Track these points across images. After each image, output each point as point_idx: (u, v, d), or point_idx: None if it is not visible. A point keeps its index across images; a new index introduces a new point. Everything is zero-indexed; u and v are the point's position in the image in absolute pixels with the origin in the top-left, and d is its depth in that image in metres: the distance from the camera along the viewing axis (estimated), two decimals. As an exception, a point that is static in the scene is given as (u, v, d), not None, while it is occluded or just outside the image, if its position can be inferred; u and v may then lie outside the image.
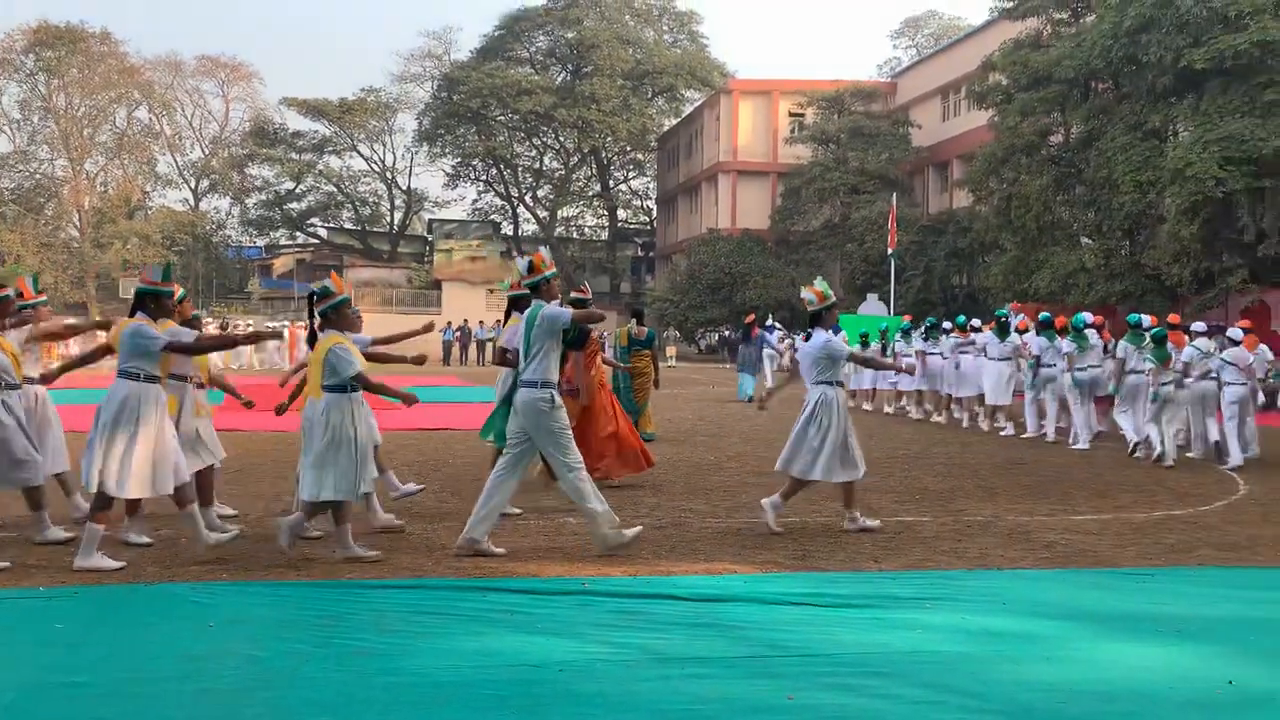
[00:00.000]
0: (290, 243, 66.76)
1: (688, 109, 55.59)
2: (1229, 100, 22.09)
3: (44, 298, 7.84)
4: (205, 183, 63.29)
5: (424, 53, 61.17)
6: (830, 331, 7.68)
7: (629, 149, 59.13)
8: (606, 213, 62.84)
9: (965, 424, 16.15)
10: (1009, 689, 4.26)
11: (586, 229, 65.91)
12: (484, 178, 62.56)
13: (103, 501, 6.14)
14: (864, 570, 6.38)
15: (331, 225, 65.63)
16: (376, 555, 6.41)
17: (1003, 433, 14.67)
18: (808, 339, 7.88)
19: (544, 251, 6.96)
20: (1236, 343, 11.94)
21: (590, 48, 54.54)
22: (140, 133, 59.81)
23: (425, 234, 66.77)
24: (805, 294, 7.82)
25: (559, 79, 57.67)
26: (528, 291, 7.88)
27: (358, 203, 64.32)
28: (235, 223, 64.86)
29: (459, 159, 60.68)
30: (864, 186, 40.46)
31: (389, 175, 64.18)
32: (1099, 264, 25.19)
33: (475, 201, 64.45)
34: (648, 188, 63.44)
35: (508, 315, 8.31)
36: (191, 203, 63.09)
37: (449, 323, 41.42)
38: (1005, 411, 15.18)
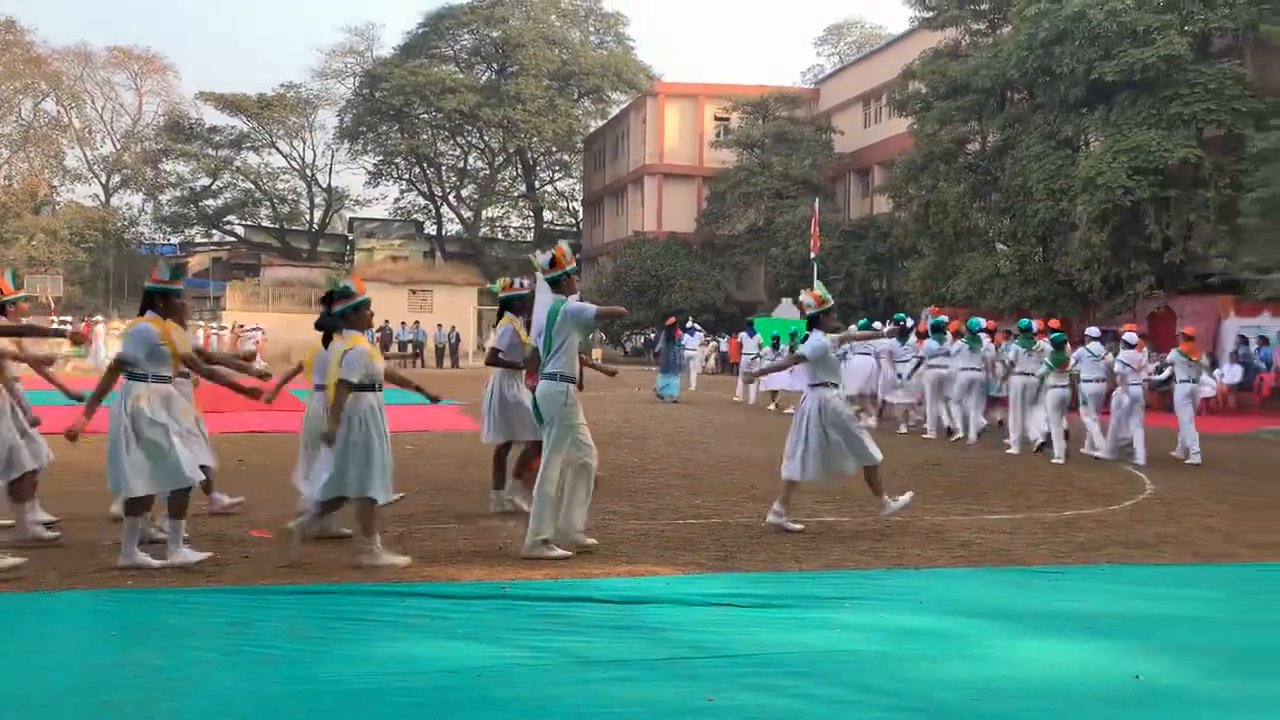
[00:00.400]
0: (206, 241, 65.23)
1: (614, 111, 55.62)
2: (1137, 112, 22.82)
3: (23, 293, 7.61)
4: (117, 178, 61.45)
5: (346, 49, 60.33)
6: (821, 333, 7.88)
7: (555, 150, 58.97)
8: (532, 214, 62.57)
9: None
10: (925, 687, 4.31)
11: (512, 230, 65.59)
12: (406, 176, 61.87)
13: (182, 499, 6.18)
14: (785, 570, 6.41)
15: (249, 223, 64.26)
16: (408, 561, 6.33)
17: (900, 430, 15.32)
18: (804, 341, 8.00)
19: (564, 245, 7.02)
20: (1131, 345, 12.53)
21: (516, 47, 54.28)
22: (47, 125, 57.87)
23: (346, 233, 65.80)
24: (804, 298, 8.05)
25: (484, 78, 57.27)
26: (521, 292, 8.20)
27: (276, 200, 63.08)
28: (148, 219, 63.23)
29: (381, 157, 59.90)
30: (788, 191, 40.92)
31: (309, 173, 63.10)
32: (1014, 270, 25.83)
33: (398, 200, 63.76)
34: (574, 189, 63.36)
35: (500, 316, 8.38)
36: (102, 198, 61.20)
37: (370, 323, 40.75)
38: (904, 409, 15.88)
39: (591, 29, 58.77)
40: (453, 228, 63.64)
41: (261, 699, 4.03)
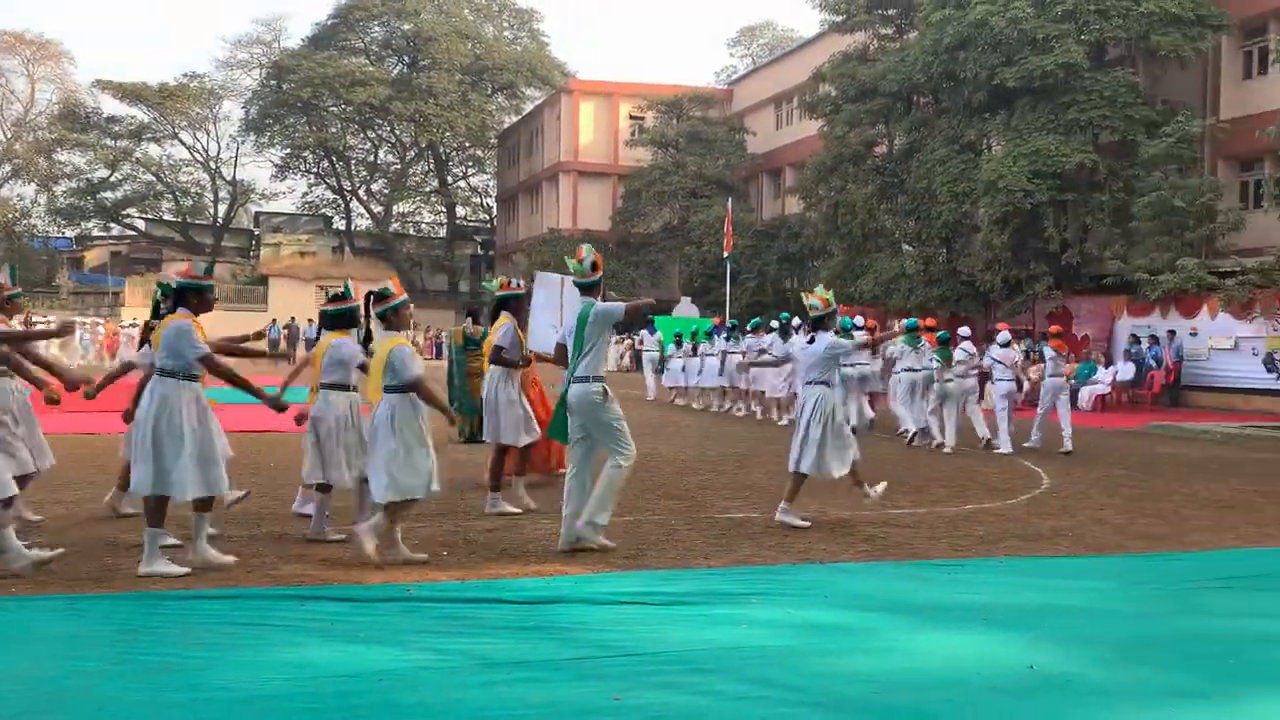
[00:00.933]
0: (104, 234, 63.03)
1: (528, 107, 55.29)
2: (1037, 117, 23.55)
3: (19, 290, 7.49)
4: (7, 168, 58.93)
5: (252, 39, 58.83)
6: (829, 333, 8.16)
7: (468, 145, 58.39)
8: (444, 209, 61.87)
9: (759, 416, 17.75)
10: (827, 681, 4.36)
11: (423, 225, 64.73)
12: (315, 170, 60.63)
13: (156, 504, 6.01)
14: (694, 568, 6.44)
15: (150, 216, 62.25)
16: (424, 558, 6.37)
17: (781, 423, 16.04)
18: (812, 341, 8.12)
19: (592, 250, 7.21)
20: (1004, 345, 13.58)
21: (427, 40, 53.60)
22: (-69, 111, 55.22)
23: (251, 227, 64.19)
24: (810, 300, 8.23)
25: (395, 71, 56.42)
26: (517, 292, 8.46)
27: (179, 193, 61.20)
28: (42, 211, 60.74)
29: (288, 150, 58.58)
30: (702, 191, 41.23)
31: (213, 165, 61.36)
32: (919, 270, 26.44)
33: (305, 195, 62.46)
34: (487, 185, 62.82)
35: (495, 315, 8.47)
36: (-9, 188, 58.61)
37: (274, 320, 39.87)
38: (785, 404, 16.44)
39: (505, 24, 58.34)
40: (362, 223, 62.61)
41: (150, 709, 3.88)
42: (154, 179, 60.41)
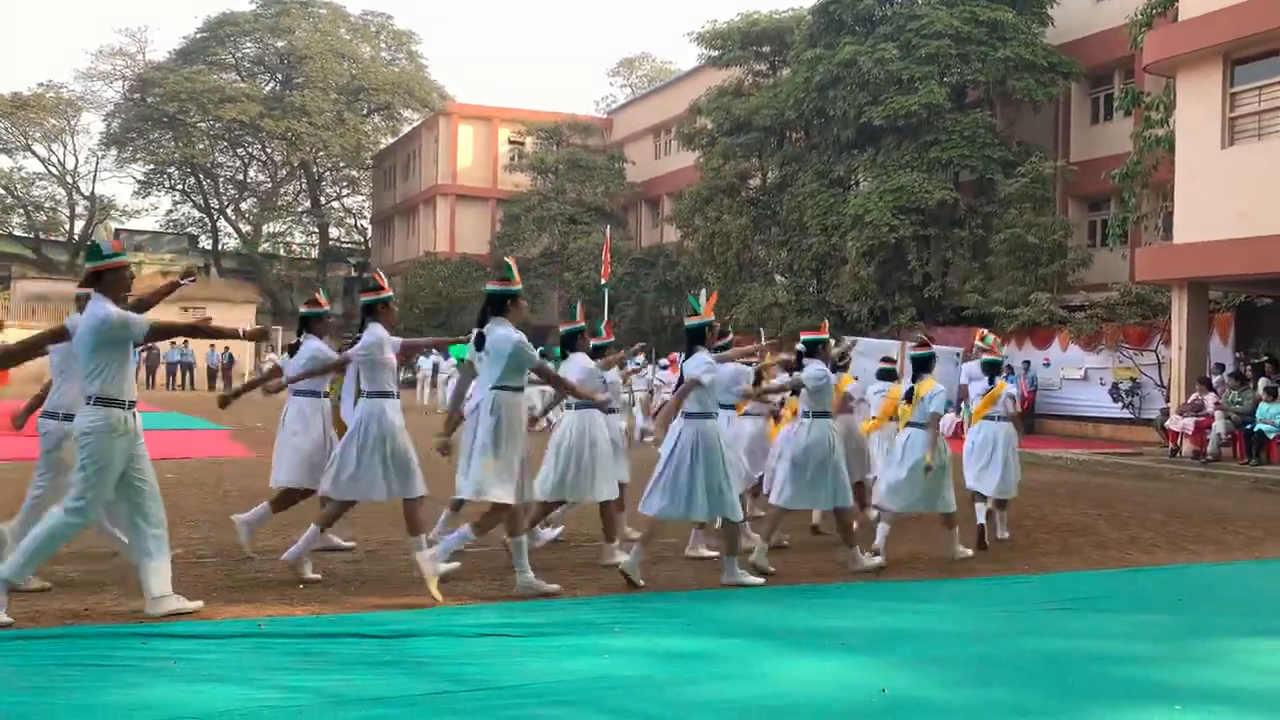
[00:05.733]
0: (-55, 249, 59.27)
1: (405, 129, 54.60)
2: (902, 155, 24.47)
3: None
4: None
5: (115, 50, 56.50)
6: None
7: (343, 165, 57.26)
8: (317, 230, 60.42)
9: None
10: (685, 710, 4.37)
11: (295, 246, 63.05)
12: (180, 187, 58.45)
13: None
14: (557, 597, 6.40)
15: (-2, 231, 58.94)
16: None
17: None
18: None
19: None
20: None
21: (302, 59, 52.47)
22: None
23: (111, 245, 61.34)
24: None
25: (267, 88, 55.00)
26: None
27: (31, 208, 58.15)
28: (-126, 223, 56.85)
29: (152, 166, 56.31)
30: (581, 217, 41.37)
31: (70, 180, 58.54)
32: (790, 299, 27.07)
33: (170, 212, 60.05)
34: (362, 206, 61.65)
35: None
36: None
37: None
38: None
39: (383, 45, 57.53)
40: (231, 242, 60.61)
41: (-33, 760, 3.64)
42: (3, 192, 57.33)
